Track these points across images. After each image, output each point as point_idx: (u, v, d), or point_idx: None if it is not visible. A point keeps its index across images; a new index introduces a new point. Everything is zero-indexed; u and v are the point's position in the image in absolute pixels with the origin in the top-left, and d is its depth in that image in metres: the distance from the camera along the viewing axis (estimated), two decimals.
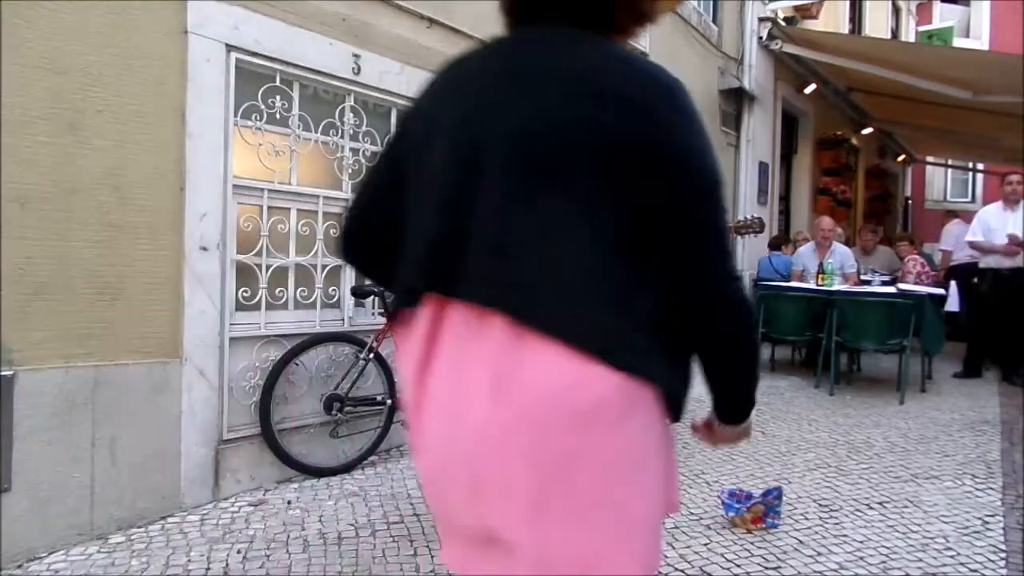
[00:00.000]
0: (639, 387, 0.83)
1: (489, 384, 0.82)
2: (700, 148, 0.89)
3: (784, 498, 2.89)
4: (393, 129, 1.11)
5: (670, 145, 0.87)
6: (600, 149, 0.84)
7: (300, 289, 3.30)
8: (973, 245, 6.09)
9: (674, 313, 0.89)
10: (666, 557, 2.50)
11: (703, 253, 0.90)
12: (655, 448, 0.88)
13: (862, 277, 6.26)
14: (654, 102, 0.87)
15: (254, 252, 3.11)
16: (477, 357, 0.84)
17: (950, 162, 14.24)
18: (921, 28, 13.15)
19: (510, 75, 0.91)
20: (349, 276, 3.51)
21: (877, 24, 11.90)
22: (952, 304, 6.85)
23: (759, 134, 7.85)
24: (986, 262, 5.90)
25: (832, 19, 9.55)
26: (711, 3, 7.29)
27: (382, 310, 3.40)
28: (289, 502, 2.93)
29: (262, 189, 3.11)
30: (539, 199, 0.85)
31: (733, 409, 1.06)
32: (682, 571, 2.40)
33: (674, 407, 0.91)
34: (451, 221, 0.89)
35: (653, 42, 5.14)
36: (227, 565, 2.37)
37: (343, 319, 3.49)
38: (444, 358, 0.89)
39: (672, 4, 1.10)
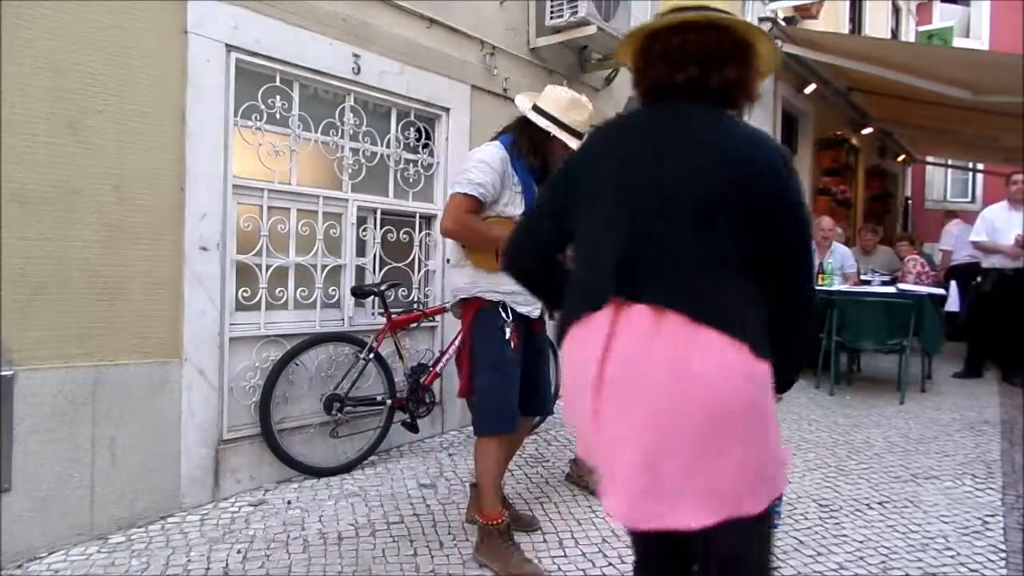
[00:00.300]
0: (769, 370, 1.19)
1: (667, 364, 1.14)
2: (801, 200, 1.26)
3: (784, 498, 2.88)
4: (559, 174, 1.45)
5: (784, 198, 1.23)
6: (737, 199, 1.19)
7: (300, 289, 3.30)
8: (977, 245, 6.07)
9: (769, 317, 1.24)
10: None
11: (801, 276, 1.28)
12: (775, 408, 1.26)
13: (862, 277, 6.25)
14: (774, 166, 1.22)
15: (254, 252, 3.11)
16: (657, 344, 1.15)
17: (950, 162, 14.23)
18: (921, 28, 13.13)
19: (665, 141, 1.26)
20: (349, 276, 3.51)
21: (877, 24, 11.89)
22: (952, 304, 6.84)
23: None
24: (990, 262, 5.89)
25: (832, 19, 9.54)
26: None
27: (382, 310, 3.40)
28: (289, 502, 2.93)
29: (262, 189, 3.10)
30: (696, 233, 1.19)
31: (788, 383, 1.39)
32: None
33: None
34: (631, 246, 1.22)
35: None
36: (227, 565, 2.37)
37: (343, 319, 3.49)
38: (622, 346, 1.18)
39: (763, 81, 1.39)
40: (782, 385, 1.35)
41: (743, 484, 1.15)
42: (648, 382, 1.14)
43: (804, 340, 1.37)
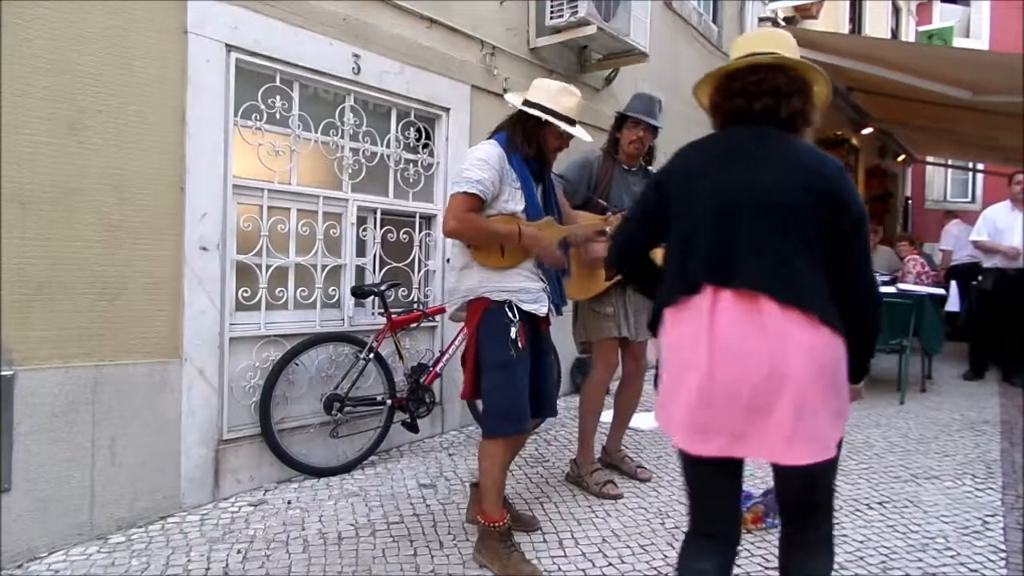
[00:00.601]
0: (843, 342, 1.49)
1: (771, 338, 1.43)
2: (859, 198, 1.53)
3: None
4: (652, 186, 1.74)
5: (846, 197, 1.50)
6: (812, 202, 1.48)
7: (300, 289, 3.30)
8: (977, 245, 6.06)
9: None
10: (666, 557, 2.50)
11: (865, 263, 1.55)
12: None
13: None
14: (838, 175, 1.52)
15: (254, 252, 3.11)
16: (755, 322, 1.45)
17: (950, 162, 14.23)
18: (921, 28, 13.14)
19: (752, 156, 1.56)
20: (349, 276, 3.51)
21: (877, 24, 11.90)
22: (952, 304, 6.84)
23: None
24: (991, 262, 5.89)
25: (832, 19, 9.55)
26: (711, 3, 7.29)
27: (382, 310, 3.40)
28: (289, 502, 2.93)
29: (262, 189, 3.10)
30: (781, 231, 1.48)
31: (860, 371, 1.63)
32: None
33: None
34: (724, 242, 1.50)
35: (654, 42, 5.14)
36: (227, 565, 2.38)
37: (343, 319, 3.49)
38: (726, 323, 1.46)
39: (818, 112, 1.68)
40: (858, 373, 1.61)
41: (831, 430, 1.49)
42: (758, 353, 1.43)
43: (872, 328, 1.60)
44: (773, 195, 1.49)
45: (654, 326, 1.66)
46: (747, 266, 1.47)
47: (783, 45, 1.63)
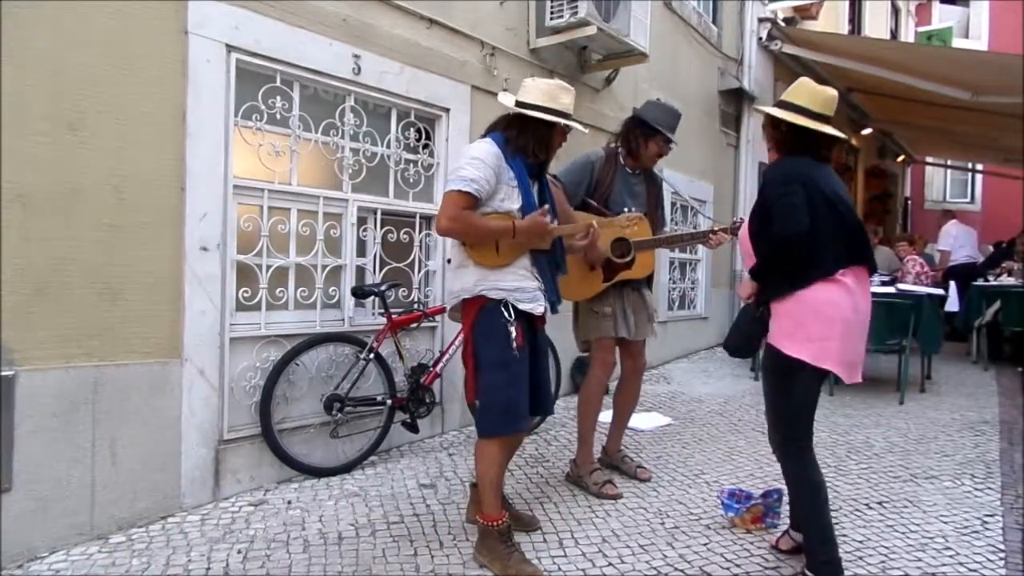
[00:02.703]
0: None
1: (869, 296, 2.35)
2: None
3: (784, 499, 2.88)
4: (797, 186, 2.29)
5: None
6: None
7: (300, 289, 3.30)
8: None
9: None
10: (665, 557, 2.51)
11: None
12: None
13: None
14: None
15: (254, 252, 3.11)
16: (867, 287, 2.33)
17: (950, 162, 14.25)
18: (920, 29, 13.15)
19: (830, 178, 2.46)
20: (349, 276, 3.51)
21: (877, 24, 11.91)
22: (952, 304, 6.84)
23: (759, 134, 7.83)
24: None
25: (832, 19, 9.55)
26: (711, 3, 7.29)
27: (382, 310, 3.40)
28: (289, 502, 2.93)
29: (262, 189, 3.11)
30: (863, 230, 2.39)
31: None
32: (682, 571, 2.40)
33: None
34: (857, 235, 2.31)
35: (654, 43, 5.14)
36: (227, 565, 2.38)
37: (343, 319, 3.49)
38: (860, 287, 2.28)
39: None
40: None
41: None
42: (864, 305, 2.31)
43: None
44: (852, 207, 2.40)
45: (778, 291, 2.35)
46: (869, 254, 2.37)
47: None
